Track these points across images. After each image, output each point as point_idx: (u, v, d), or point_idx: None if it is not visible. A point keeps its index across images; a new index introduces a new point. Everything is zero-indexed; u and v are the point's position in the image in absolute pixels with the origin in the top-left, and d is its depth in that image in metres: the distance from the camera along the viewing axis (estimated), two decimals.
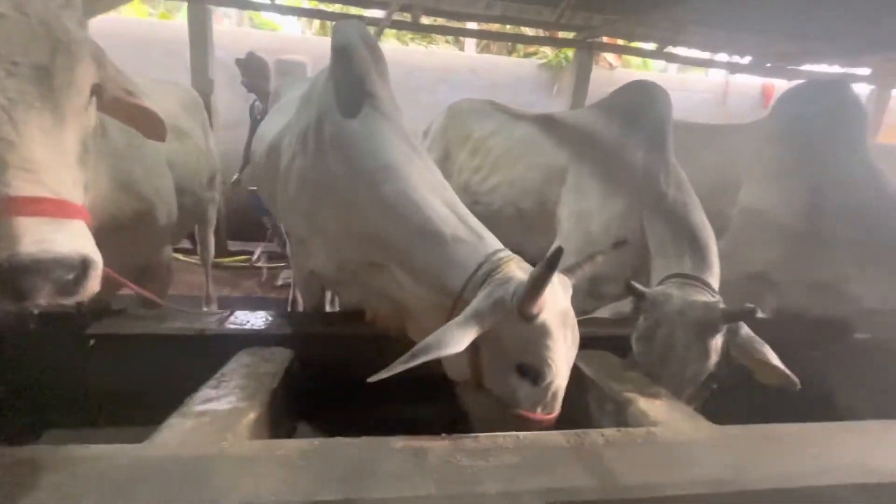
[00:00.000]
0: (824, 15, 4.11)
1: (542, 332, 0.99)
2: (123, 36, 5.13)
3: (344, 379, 1.22)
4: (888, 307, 1.83)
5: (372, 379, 0.88)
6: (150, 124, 1.20)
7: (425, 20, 4.76)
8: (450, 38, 7.46)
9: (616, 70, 5.99)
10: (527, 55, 7.10)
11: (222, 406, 1.05)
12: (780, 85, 6.81)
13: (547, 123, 2.20)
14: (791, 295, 2.16)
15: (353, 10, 5.02)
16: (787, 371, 1.27)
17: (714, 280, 1.46)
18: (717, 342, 1.32)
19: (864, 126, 2.01)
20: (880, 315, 1.87)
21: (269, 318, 1.59)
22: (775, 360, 1.29)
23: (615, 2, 4.12)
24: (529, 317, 0.96)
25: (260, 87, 3.51)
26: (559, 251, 0.86)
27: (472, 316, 0.99)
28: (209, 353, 1.32)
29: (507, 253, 1.14)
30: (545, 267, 0.89)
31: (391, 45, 7.12)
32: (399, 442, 0.92)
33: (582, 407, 1.38)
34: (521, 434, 0.98)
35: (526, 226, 2.21)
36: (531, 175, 2.12)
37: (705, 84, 6.33)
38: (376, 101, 1.50)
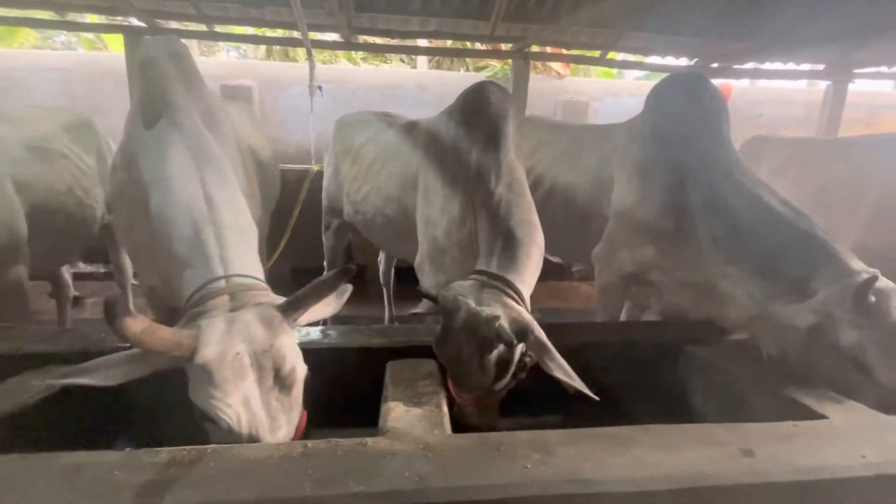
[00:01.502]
0: (761, 13, 4.07)
1: (204, 377, 0.92)
2: (86, 70, 5.36)
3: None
4: (754, 306, 1.73)
5: (49, 383, 0.94)
6: None
7: (378, 40, 4.83)
8: (403, 56, 7.59)
9: (565, 79, 5.99)
10: (477, 69, 7.16)
11: None
12: (740, 85, 6.73)
13: (408, 130, 2.18)
14: (669, 296, 2.08)
15: (297, 35, 5.14)
16: (572, 383, 1.20)
17: (520, 280, 1.38)
18: (502, 353, 1.26)
19: (724, 118, 1.93)
20: (749, 314, 1.77)
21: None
22: (556, 371, 1.22)
23: (546, 12, 4.13)
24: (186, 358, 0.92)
25: None
26: (112, 302, 0.78)
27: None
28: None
29: (227, 283, 1.07)
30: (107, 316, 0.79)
31: (340, 65, 7.26)
32: (67, 457, 0.89)
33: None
34: (226, 448, 0.92)
35: (396, 232, 2.17)
36: (392, 182, 2.09)
37: None
38: (174, 113, 1.48)
